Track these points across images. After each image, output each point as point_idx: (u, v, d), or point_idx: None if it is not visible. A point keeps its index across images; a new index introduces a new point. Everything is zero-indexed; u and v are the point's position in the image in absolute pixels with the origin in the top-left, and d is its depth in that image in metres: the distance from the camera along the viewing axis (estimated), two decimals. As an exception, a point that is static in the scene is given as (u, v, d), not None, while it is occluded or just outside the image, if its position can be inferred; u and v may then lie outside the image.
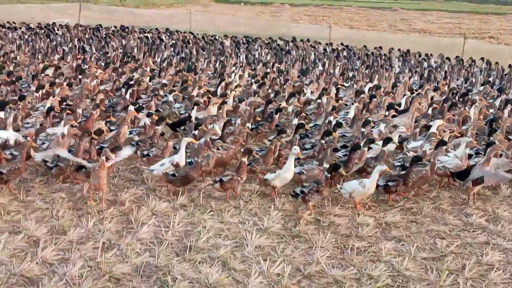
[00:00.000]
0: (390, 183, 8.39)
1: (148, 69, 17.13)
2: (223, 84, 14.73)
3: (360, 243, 7.18)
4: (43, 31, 25.49)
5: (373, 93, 14.39)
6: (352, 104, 12.61)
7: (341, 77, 18.11)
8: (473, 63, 21.89)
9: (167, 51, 22.38)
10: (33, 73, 15.24)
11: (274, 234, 7.35)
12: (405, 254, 6.95)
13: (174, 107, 12.73)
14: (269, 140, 10.25)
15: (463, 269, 6.58)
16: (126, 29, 27.38)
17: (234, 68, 18.84)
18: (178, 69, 17.87)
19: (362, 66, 20.38)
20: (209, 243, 6.96)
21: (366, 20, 47.47)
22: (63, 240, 6.85)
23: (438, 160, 8.82)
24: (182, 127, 11.08)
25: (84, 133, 8.94)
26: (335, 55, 22.74)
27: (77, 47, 22.18)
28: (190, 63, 19.78)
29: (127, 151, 8.35)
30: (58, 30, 26.30)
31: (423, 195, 8.88)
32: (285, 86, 15.34)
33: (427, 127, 11.00)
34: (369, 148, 9.50)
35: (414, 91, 15.27)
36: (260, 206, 8.22)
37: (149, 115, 10.70)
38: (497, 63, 21.66)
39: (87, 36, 25.10)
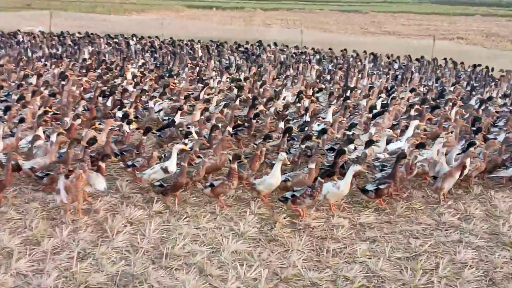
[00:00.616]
0: (381, 186, 8.41)
1: (129, 75, 16.97)
2: (206, 89, 14.81)
3: (335, 245, 7.23)
4: (4, 39, 25.15)
5: (348, 95, 14.53)
6: (329, 107, 12.75)
7: (317, 80, 18.24)
8: (445, 64, 22.23)
9: (139, 56, 22.26)
10: (16, 82, 15.17)
11: (250, 238, 7.36)
12: (380, 254, 7.02)
13: (155, 114, 12.67)
14: (255, 145, 10.28)
15: (437, 268, 6.67)
16: (91, 35, 27.17)
17: (214, 73, 18.83)
18: (156, 74, 17.83)
19: (336, 69, 20.51)
20: (185, 250, 6.95)
21: (338, 23, 47.82)
22: (37, 251, 6.79)
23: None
24: (152, 131, 10.86)
25: (73, 141, 8.87)
26: (307, 58, 22.93)
27: (50, 54, 21.99)
28: (169, 68, 19.64)
29: (98, 185, 8.08)
30: (22, 37, 25.90)
31: (396, 195, 8.97)
32: (261, 90, 15.43)
33: (407, 128, 11.13)
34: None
35: (387, 94, 15.48)
36: (236, 211, 8.24)
37: (128, 122, 10.63)
38: (462, 63, 21.98)
39: (53, 42, 24.90)
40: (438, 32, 38.77)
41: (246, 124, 11.47)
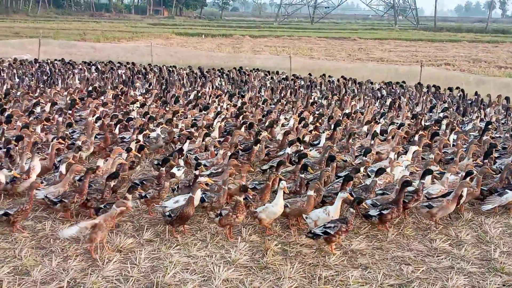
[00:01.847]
0: (384, 212, 8.42)
1: (138, 104, 16.88)
2: (210, 116, 14.84)
3: (327, 272, 7.20)
4: None
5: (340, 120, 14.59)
6: (323, 132, 12.82)
7: (311, 106, 18.27)
8: (437, 91, 22.35)
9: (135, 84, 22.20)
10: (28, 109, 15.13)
11: (242, 266, 7.32)
12: (372, 281, 7.00)
13: (161, 142, 12.59)
14: (262, 170, 10.33)
15: (429, 294, 6.66)
16: (69, 62, 27.13)
17: (215, 99, 18.77)
18: (160, 100, 17.82)
19: (330, 94, 20.62)
20: (176, 278, 6.89)
21: (325, 50, 48.19)
22: (26, 280, 6.71)
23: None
24: (170, 163, 10.69)
25: (88, 171, 8.82)
26: (296, 85, 23.05)
27: (46, 80, 21.95)
28: (175, 94, 19.46)
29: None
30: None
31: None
32: (266, 116, 15.51)
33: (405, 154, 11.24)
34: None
35: (378, 119, 15.57)
36: (227, 238, 8.20)
37: (128, 150, 10.53)
38: (439, 87, 22.16)
39: (34, 69, 24.83)
40: (425, 58, 39.16)
41: (248, 150, 11.47)
